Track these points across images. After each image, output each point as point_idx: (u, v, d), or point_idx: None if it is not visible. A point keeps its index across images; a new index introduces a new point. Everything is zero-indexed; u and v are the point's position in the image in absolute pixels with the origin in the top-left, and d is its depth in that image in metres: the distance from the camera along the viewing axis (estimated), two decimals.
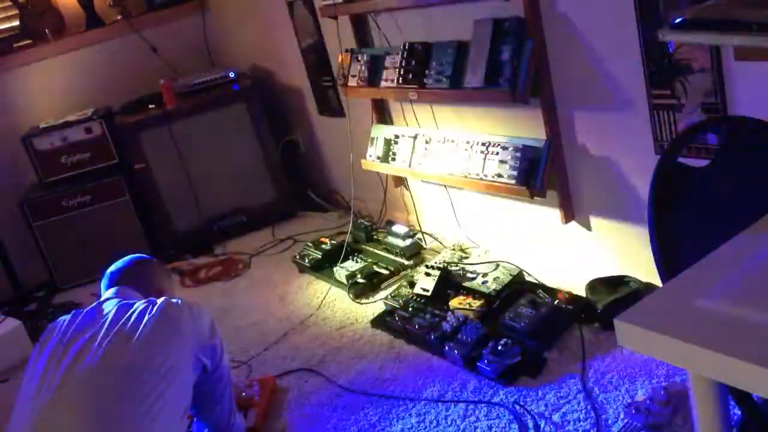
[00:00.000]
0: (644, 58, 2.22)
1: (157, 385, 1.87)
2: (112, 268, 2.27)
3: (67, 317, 2.05)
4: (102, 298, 2.14)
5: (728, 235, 1.21)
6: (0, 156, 4.17)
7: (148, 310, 1.98)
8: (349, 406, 2.45)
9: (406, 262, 3.27)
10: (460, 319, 2.61)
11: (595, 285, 2.62)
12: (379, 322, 2.89)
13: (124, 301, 2.05)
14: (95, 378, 1.85)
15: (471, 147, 2.88)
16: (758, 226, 1.24)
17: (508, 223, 3.09)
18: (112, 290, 2.16)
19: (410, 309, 2.80)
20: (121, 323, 1.94)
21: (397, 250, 3.33)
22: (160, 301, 2.03)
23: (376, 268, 3.27)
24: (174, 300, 2.06)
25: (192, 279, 3.80)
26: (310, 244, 3.61)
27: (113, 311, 2.00)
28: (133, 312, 1.98)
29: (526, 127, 2.74)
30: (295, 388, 2.62)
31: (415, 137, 3.19)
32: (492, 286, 2.75)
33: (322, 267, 3.43)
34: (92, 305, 2.08)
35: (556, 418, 2.15)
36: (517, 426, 2.16)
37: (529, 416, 2.19)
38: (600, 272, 2.69)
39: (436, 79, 2.84)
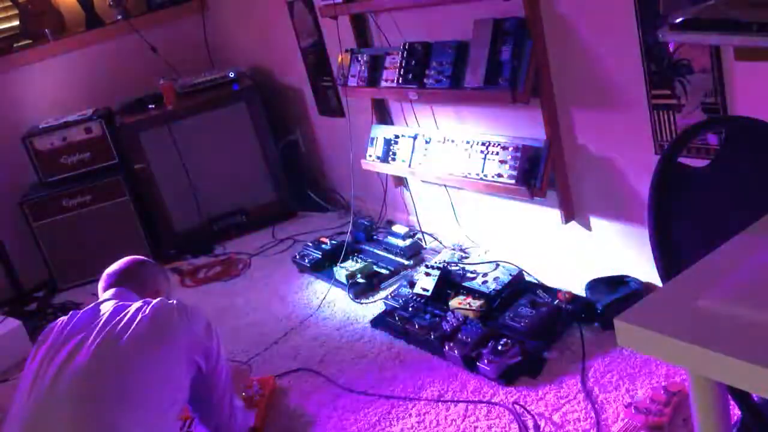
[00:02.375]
0: (644, 58, 2.22)
1: (147, 383, 1.87)
2: (110, 269, 2.28)
3: (64, 318, 2.06)
4: (100, 300, 2.15)
5: (728, 235, 1.21)
6: (0, 156, 4.17)
7: (142, 310, 1.99)
8: (349, 406, 2.45)
9: (406, 262, 3.27)
10: (460, 319, 2.61)
11: (595, 285, 2.62)
12: (379, 322, 2.89)
13: (121, 303, 2.06)
14: (85, 376, 1.86)
15: (471, 147, 2.89)
16: (758, 227, 1.23)
17: (508, 223, 3.09)
18: (109, 291, 2.17)
19: (410, 309, 2.80)
20: (113, 323, 1.95)
21: (397, 250, 3.33)
22: (154, 301, 2.03)
23: (376, 268, 3.27)
24: (169, 301, 2.06)
25: (192, 279, 3.80)
26: (310, 244, 3.62)
27: (108, 312, 2.01)
28: (127, 312, 1.99)
29: (526, 127, 2.74)
30: (295, 388, 2.62)
31: (415, 137, 3.19)
32: (492, 286, 2.75)
33: (322, 267, 3.43)
34: (89, 306, 2.09)
35: (556, 418, 2.15)
36: (517, 426, 2.16)
37: (529, 416, 2.19)
38: (600, 272, 2.69)
39: (436, 79, 2.85)
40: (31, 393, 1.88)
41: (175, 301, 2.06)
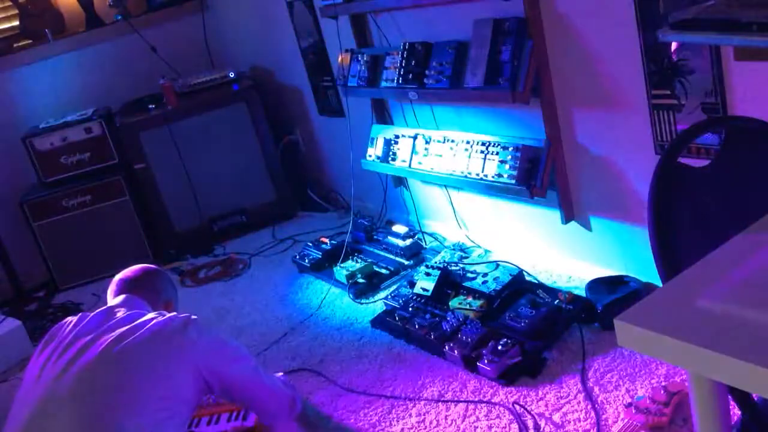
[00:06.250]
0: (644, 58, 2.22)
1: (150, 391, 1.87)
2: (122, 276, 2.27)
3: (74, 318, 2.07)
4: (109, 305, 2.15)
5: (728, 235, 1.21)
6: (0, 156, 4.17)
7: (155, 320, 2.00)
8: (349, 406, 2.45)
9: (406, 262, 3.27)
10: (460, 319, 2.61)
11: (595, 285, 2.62)
12: (379, 322, 2.89)
13: (134, 311, 2.07)
14: (89, 376, 1.87)
15: (471, 147, 2.89)
16: (758, 226, 1.23)
17: (508, 223, 3.09)
18: (120, 298, 2.16)
19: (410, 309, 2.80)
20: (125, 328, 1.96)
21: (397, 250, 3.33)
22: (168, 314, 2.05)
23: (376, 268, 3.27)
24: (181, 315, 2.06)
25: (192, 279, 3.79)
26: (310, 244, 3.62)
27: (121, 317, 2.02)
28: (140, 320, 2.00)
29: (526, 127, 2.74)
30: (295, 388, 2.62)
31: (415, 137, 3.19)
32: (492, 286, 2.75)
33: (322, 267, 3.43)
34: (100, 309, 2.09)
35: (556, 418, 2.15)
36: (517, 426, 2.16)
37: (529, 416, 2.19)
38: (600, 272, 2.69)
39: (436, 79, 2.85)
40: (34, 389, 1.89)
41: (190, 316, 2.07)
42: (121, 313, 2.05)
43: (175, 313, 2.08)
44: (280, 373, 2.38)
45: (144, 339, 1.93)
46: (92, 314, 2.06)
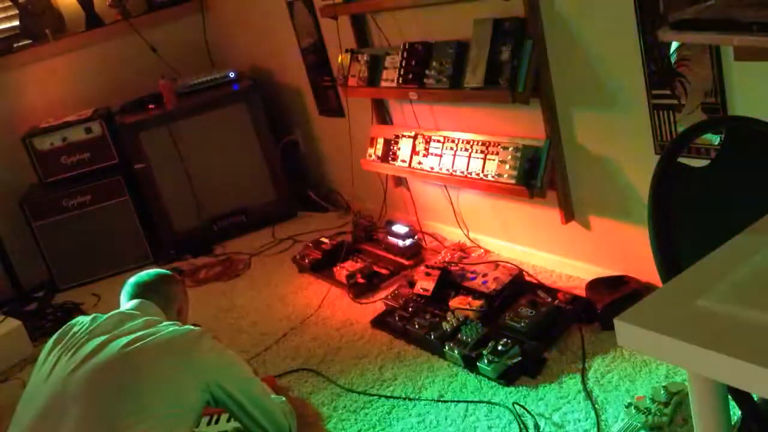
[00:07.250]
0: (644, 58, 2.22)
1: (159, 397, 1.88)
2: (136, 279, 2.27)
3: (87, 318, 2.08)
4: (123, 308, 2.15)
5: (728, 235, 1.21)
6: (0, 156, 4.17)
7: (171, 328, 2.01)
8: (349, 406, 2.45)
9: (406, 262, 3.27)
10: (460, 319, 2.61)
11: (595, 285, 2.62)
12: (379, 322, 2.89)
13: (151, 318, 2.08)
14: (102, 376, 1.89)
15: (471, 147, 2.89)
16: (758, 227, 1.23)
17: (508, 223, 3.09)
18: (134, 302, 2.17)
19: (410, 309, 2.80)
20: (141, 332, 1.97)
21: (397, 250, 3.33)
22: (187, 326, 2.07)
23: (376, 268, 3.27)
24: (200, 328, 2.07)
25: (192, 279, 3.79)
26: (310, 244, 3.61)
27: (137, 322, 2.03)
28: (156, 326, 2.01)
29: (526, 127, 2.74)
30: (295, 388, 2.62)
31: (415, 137, 3.19)
32: (492, 286, 2.74)
33: (322, 267, 3.43)
34: (115, 311, 2.10)
35: (556, 418, 2.15)
36: (517, 426, 2.16)
37: (529, 416, 2.19)
38: (600, 272, 2.69)
39: (436, 79, 2.85)
40: (44, 386, 1.91)
41: (205, 330, 2.08)
42: (136, 318, 2.06)
43: (189, 325, 2.11)
44: (282, 398, 2.37)
45: (157, 346, 1.94)
46: (106, 316, 2.07)
